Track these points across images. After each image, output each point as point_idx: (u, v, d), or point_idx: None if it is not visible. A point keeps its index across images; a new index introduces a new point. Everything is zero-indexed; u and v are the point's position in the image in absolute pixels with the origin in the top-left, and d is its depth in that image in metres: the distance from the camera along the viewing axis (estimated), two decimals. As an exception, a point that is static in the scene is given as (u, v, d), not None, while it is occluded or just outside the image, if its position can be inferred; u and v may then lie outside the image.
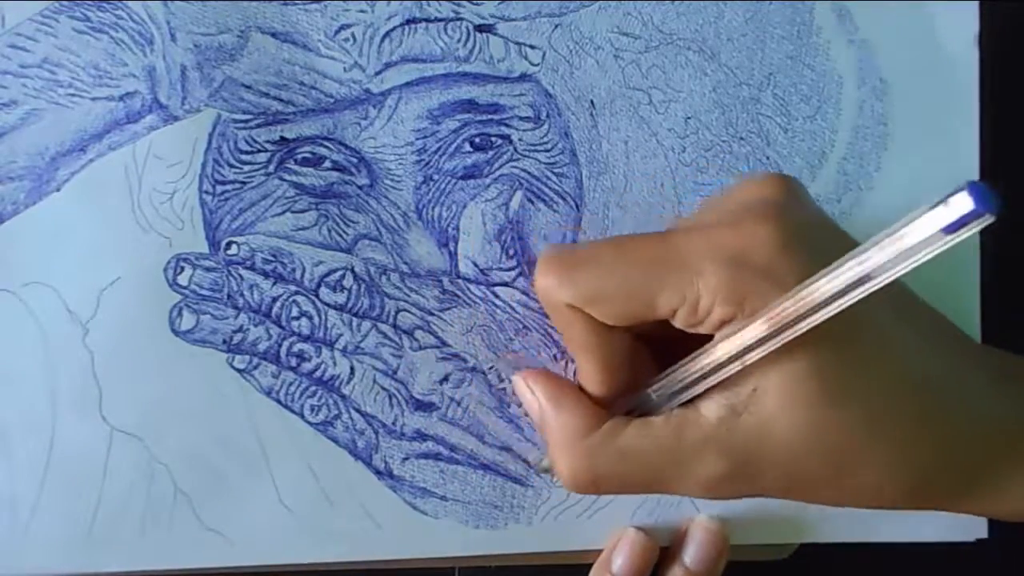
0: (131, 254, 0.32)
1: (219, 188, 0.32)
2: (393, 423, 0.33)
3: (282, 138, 0.33)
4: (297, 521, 0.33)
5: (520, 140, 0.34)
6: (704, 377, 0.26)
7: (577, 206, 0.34)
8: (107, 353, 0.32)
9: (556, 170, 0.34)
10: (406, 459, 0.33)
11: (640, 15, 0.34)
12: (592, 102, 0.34)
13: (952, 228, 0.21)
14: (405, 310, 0.33)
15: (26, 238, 0.32)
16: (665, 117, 0.34)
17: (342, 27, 0.33)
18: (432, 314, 0.33)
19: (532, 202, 0.34)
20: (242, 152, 0.32)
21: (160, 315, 0.32)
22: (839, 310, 0.23)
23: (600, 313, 0.27)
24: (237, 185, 0.33)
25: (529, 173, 0.34)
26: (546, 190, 0.34)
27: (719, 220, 0.26)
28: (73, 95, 0.32)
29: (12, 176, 0.32)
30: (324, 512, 0.33)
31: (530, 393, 0.29)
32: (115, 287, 0.32)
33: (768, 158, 0.35)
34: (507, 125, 0.34)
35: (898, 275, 0.22)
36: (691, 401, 0.27)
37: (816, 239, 0.26)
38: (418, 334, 0.33)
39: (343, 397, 0.33)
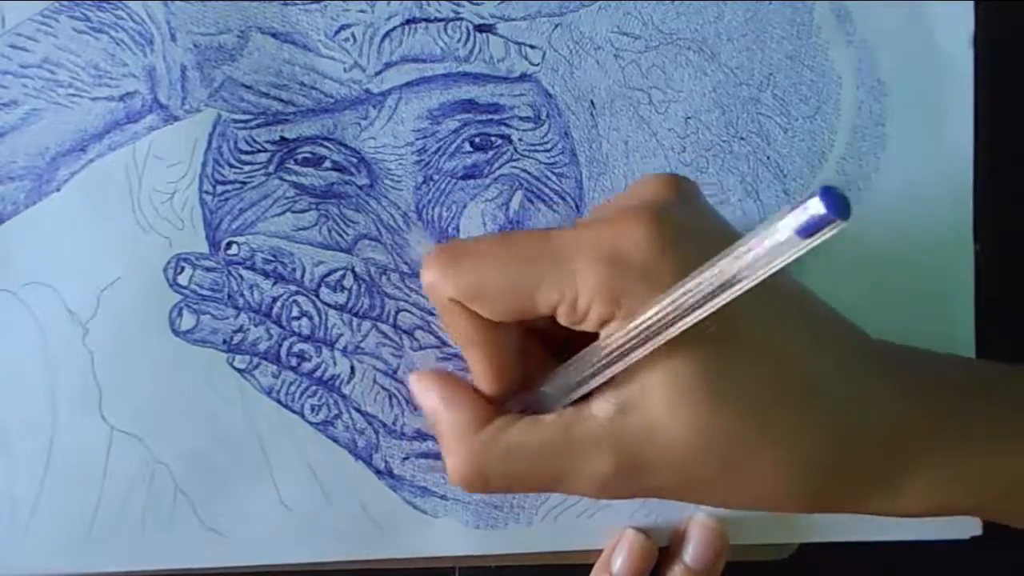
0: (131, 254, 0.32)
1: (219, 188, 0.32)
2: (393, 423, 0.33)
3: (282, 138, 0.33)
4: (297, 521, 0.33)
5: (520, 140, 0.34)
6: (592, 376, 0.26)
7: (577, 206, 0.34)
8: (107, 353, 0.32)
9: (556, 170, 0.34)
10: (406, 458, 0.33)
11: (640, 15, 0.34)
12: (592, 102, 0.34)
13: (805, 231, 0.21)
14: (405, 310, 0.33)
15: (26, 238, 0.32)
16: (665, 117, 0.34)
17: (342, 27, 0.33)
18: (432, 314, 0.33)
19: (532, 202, 0.34)
20: (242, 152, 0.32)
21: (160, 315, 0.32)
22: (710, 311, 0.23)
23: (483, 308, 0.27)
24: (237, 185, 0.33)
25: (529, 173, 0.34)
26: (546, 190, 0.34)
27: (600, 219, 0.26)
28: (73, 95, 0.32)
29: (12, 176, 0.32)
30: (324, 511, 0.33)
31: (423, 390, 0.29)
32: (115, 287, 0.32)
33: (768, 158, 0.35)
34: (507, 125, 0.34)
35: (761, 278, 0.22)
36: (583, 399, 0.27)
37: (697, 241, 0.25)
38: (418, 334, 0.33)
39: (343, 397, 0.33)
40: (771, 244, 0.22)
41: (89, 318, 0.32)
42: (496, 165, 0.34)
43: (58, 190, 0.32)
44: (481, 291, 0.26)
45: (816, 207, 0.20)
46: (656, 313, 0.24)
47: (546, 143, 0.34)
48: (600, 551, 0.34)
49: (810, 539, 0.35)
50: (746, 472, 0.26)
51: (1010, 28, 0.36)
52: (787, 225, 0.21)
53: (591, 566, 0.34)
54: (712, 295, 0.23)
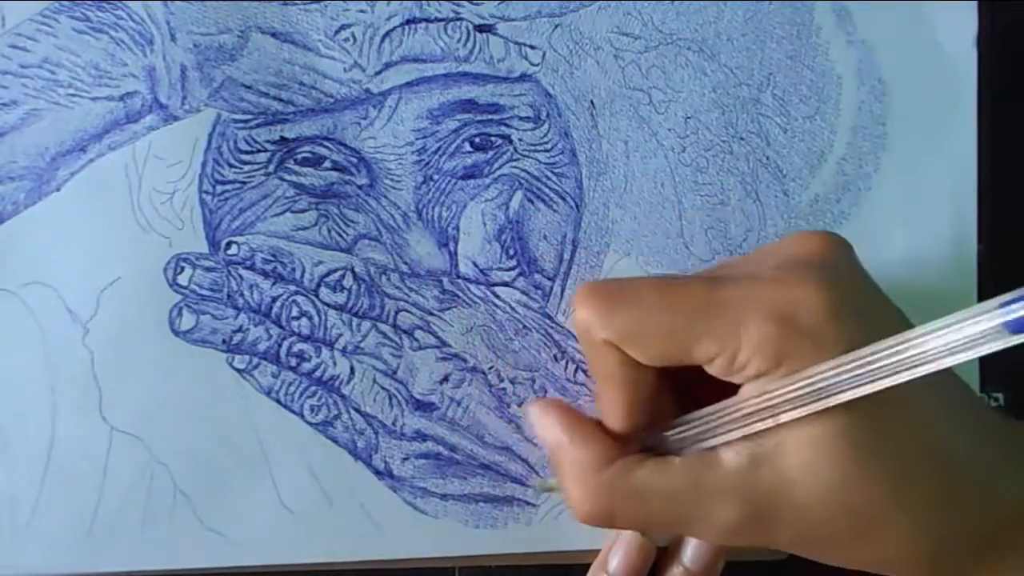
0: (131, 254, 0.32)
1: (219, 188, 0.32)
2: (393, 423, 0.33)
3: (282, 138, 0.33)
4: (297, 521, 0.33)
5: (520, 140, 0.34)
6: (730, 428, 0.26)
7: (577, 206, 0.34)
8: (107, 353, 0.32)
9: (556, 170, 0.34)
10: (406, 459, 0.33)
11: (640, 15, 0.34)
12: (592, 102, 0.34)
13: (1018, 327, 0.20)
14: (405, 310, 0.33)
15: (26, 238, 0.32)
16: (665, 117, 0.34)
17: (342, 27, 0.33)
18: (432, 314, 0.33)
19: (532, 202, 0.34)
20: (242, 152, 0.32)
21: (160, 315, 0.32)
22: (881, 388, 0.24)
23: (637, 352, 0.26)
24: (237, 185, 0.33)
25: (529, 173, 0.34)
26: (546, 190, 0.34)
27: (768, 274, 0.26)
28: (73, 95, 0.32)
29: (12, 176, 0.32)
30: (324, 512, 0.33)
31: (546, 422, 0.29)
32: (115, 287, 0.32)
33: (768, 158, 0.35)
34: (507, 125, 0.34)
35: (947, 365, 0.23)
36: (711, 446, 0.27)
37: (865, 307, 0.26)
38: (418, 334, 0.33)
39: (343, 397, 0.33)
40: (970, 334, 0.21)
41: (89, 318, 0.32)
42: (496, 165, 0.34)
43: (58, 190, 0.32)
44: (639, 336, 0.26)
45: None
46: (824, 377, 0.24)
47: (546, 143, 0.34)
48: (598, 551, 0.34)
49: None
50: (873, 536, 0.26)
51: (1014, 28, 0.36)
52: (995, 317, 0.21)
53: (590, 566, 0.34)
54: (889, 373, 0.23)
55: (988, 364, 0.35)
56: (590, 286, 0.27)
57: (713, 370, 0.26)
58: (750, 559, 0.35)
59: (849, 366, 0.24)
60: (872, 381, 0.23)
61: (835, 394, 0.24)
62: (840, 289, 0.25)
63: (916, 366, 0.23)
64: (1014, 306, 0.20)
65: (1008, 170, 0.36)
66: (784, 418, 0.25)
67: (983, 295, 0.35)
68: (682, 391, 0.28)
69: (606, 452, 0.27)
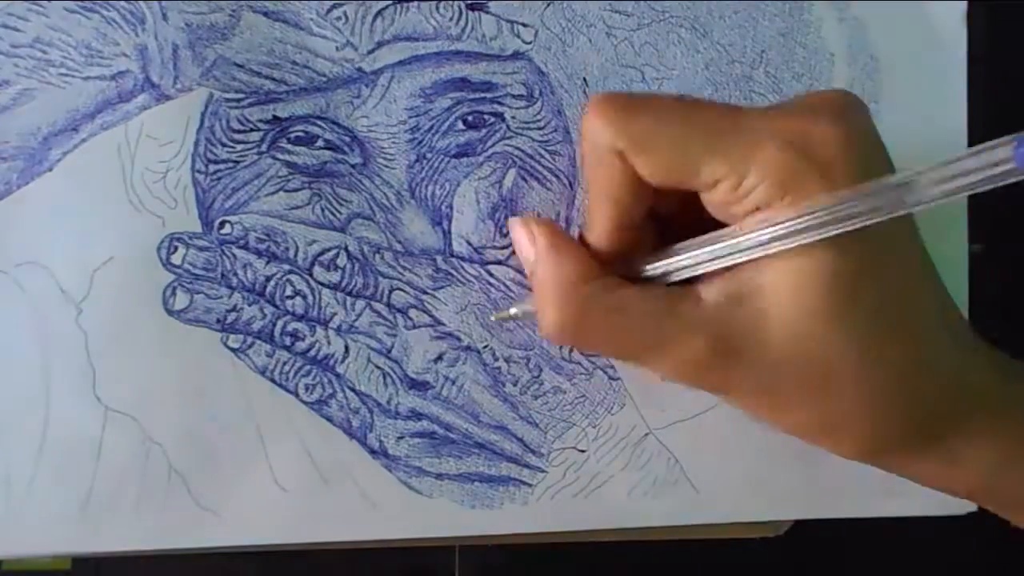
0: (124, 234, 0.32)
1: (212, 167, 0.32)
2: (388, 402, 0.33)
3: (275, 117, 0.33)
4: (292, 500, 0.33)
5: (513, 118, 0.34)
6: (715, 258, 0.26)
7: (571, 184, 0.34)
8: (101, 333, 0.32)
9: (549, 148, 0.34)
10: (401, 438, 0.33)
11: (632, -8, 0.34)
12: (585, 80, 0.34)
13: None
14: (399, 289, 0.33)
15: (19, 218, 0.32)
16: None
17: (334, 6, 0.33)
18: (426, 293, 0.33)
19: (526, 180, 0.34)
20: (235, 131, 0.32)
21: (154, 295, 0.32)
22: (874, 222, 0.23)
23: (644, 165, 0.26)
24: (230, 164, 0.32)
25: (522, 151, 0.34)
26: (539, 168, 0.34)
27: (786, 109, 0.26)
28: (65, 75, 0.32)
29: (4, 156, 0.32)
30: (319, 491, 0.33)
31: (528, 235, 0.28)
32: (108, 267, 0.32)
33: (761, 135, 0.35)
34: (500, 103, 0.34)
35: (955, 199, 0.23)
36: (688, 282, 0.27)
37: (873, 153, 0.26)
38: (412, 313, 0.33)
39: (337, 376, 0.33)
40: (981, 166, 0.22)
41: (82, 298, 0.32)
42: (489, 143, 0.34)
43: (50, 170, 0.32)
44: (650, 146, 0.25)
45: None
46: (822, 211, 0.24)
47: (539, 121, 0.34)
48: (596, 531, 0.34)
49: (805, 516, 0.35)
50: (827, 395, 0.26)
51: (1003, 6, 0.36)
52: (1008, 148, 0.21)
53: (589, 545, 0.34)
54: (883, 209, 0.23)
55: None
56: (606, 94, 0.26)
57: (714, 197, 0.26)
58: (746, 536, 0.35)
59: (845, 204, 0.24)
60: (874, 214, 0.23)
61: (826, 227, 0.24)
62: (854, 130, 0.25)
63: (903, 205, 0.23)
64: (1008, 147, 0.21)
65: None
66: (773, 248, 0.25)
67: (979, 294, 0.36)
68: (665, 237, 0.28)
69: (588, 268, 0.27)
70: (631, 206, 0.27)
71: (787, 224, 0.24)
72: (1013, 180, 0.21)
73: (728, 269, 0.26)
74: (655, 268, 0.27)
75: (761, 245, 0.25)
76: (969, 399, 0.27)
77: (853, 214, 0.24)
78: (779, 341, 0.25)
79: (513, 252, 0.34)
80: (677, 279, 0.27)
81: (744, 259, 0.25)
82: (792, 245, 0.24)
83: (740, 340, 0.26)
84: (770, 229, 0.25)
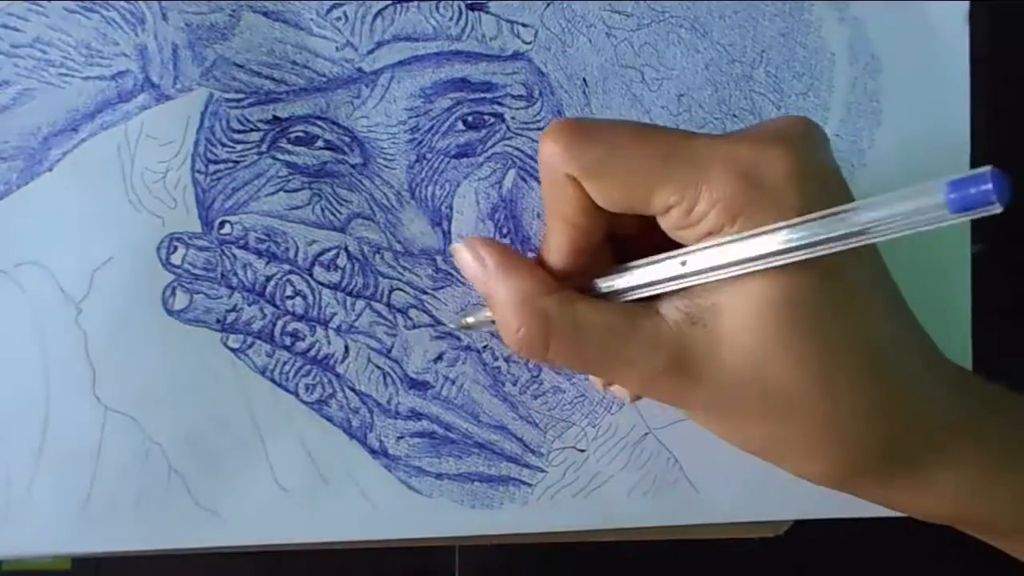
0: (124, 234, 0.32)
1: (212, 167, 0.32)
2: (388, 402, 0.33)
3: (275, 117, 0.33)
4: (292, 500, 0.33)
5: (513, 119, 0.34)
6: (671, 280, 0.26)
7: (570, 184, 0.34)
8: (100, 333, 0.32)
9: (549, 148, 0.34)
10: (401, 438, 0.33)
11: (632, -8, 0.34)
12: (585, 80, 0.34)
13: (959, 204, 0.20)
14: (399, 289, 0.33)
15: (19, 218, 0.32)
16: (658, 95, 0.34)
17: (334, 6, 0.33)
18: (426, 293, 0.33)
19: (525, 180, 0.34)
20: (235, 131, 0.32)
21: (153, 295, 0.32)
22: (827, 253, 0.23)
23: (596, 191, 0.26)
24: (230, 164, 0.32)
25: (522, 152, 0.34)
26: (539, 168, 0.34)
27: (744, 135, 0.26)
28: (65, 75, 0.32)
29: (4, 156, 0.32)
30: (319, 491, 0.33)
31: (475, 257, 0.29)
32: (108, 267, 0.32)
33: (761, 135, 0.35)
34: (500, 103, 0.34)
35: (889, 237, 0.22)
36: (647, 299, 0.27)
37: (826, 180, 0.25)
38: (412, 313, 0.33)
39: (337, 376, 0.33)
40: (913, 206, 0.21)
41: (82, 298, 0.32)
42: (489, 143, 0.34)
43: (50, 170, 0.32)
44: (603, 174, 0.26)
45: (982, 182, 0.20)
46: (769, 241, 0.24)
47: (539, 121, 0.34)
48: (594, 531, 0.34)
49: (805, 516, 0.35)
50: (789, 418, 0.26)
51: (1004, 5, 0.36)
52: (939, 192, 0.20)
53: (589, 545, 0.34)
54: (834, 240, 0.23)
55: (982, 363, 0.35)
56: (561, 120, 0.27)
57: (667, 223, 0.26)
58: (745, 536, 0.35)
59: (799, 230, 0.23)
60: (817, 245, 0.23)
61: (777, 256, 0.24)
62: (805, 156, 0.25)
63: (858, 236, 0.23)
64: (959, 186, 0.20)
65: (1000, 146, 0.36)
66: (720, 275, 0.25)
67: (980, 294, 0.36)
68: (625, 257, 0.28)
69: (543, 283, 0.27)
70: (587, 230, 0.27)
71: (733, 252, 0.24)
72: (946, 224, 0.21)
73: (686, 288, 0.26)
74: (609, 285, 0.28)
75: (711, 270, 0.25)
76: (939, 426, 0.27)
77: (796, 246, 0.23)
78: (733, 362, 0.25)
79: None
80: (632, 298, 0.27)
81: (695, 283, 0.26)
82: (737, 273, 0.25)
83: (696, 358, 0.26)
84: (718, 255, 0.25)
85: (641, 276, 0.27)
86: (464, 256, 0.29)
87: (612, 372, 0.27)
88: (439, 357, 0.33)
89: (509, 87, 0.34)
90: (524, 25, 0.34)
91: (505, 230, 0.34)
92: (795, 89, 0.35)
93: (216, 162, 0.32)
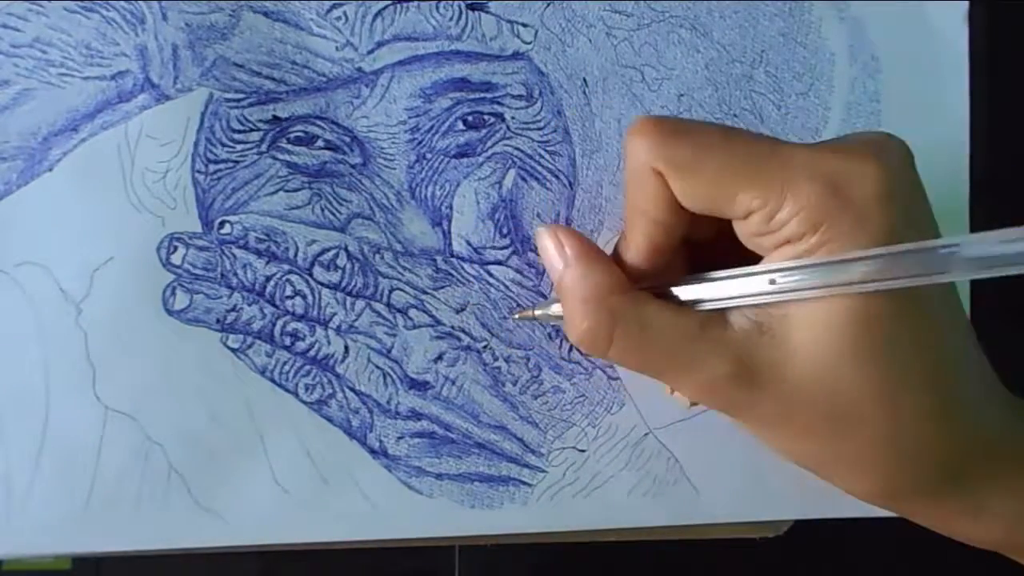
0: (124, 234, 0.32)
1: (212, 167, 0.32)
2: (387, 402, 0.33)
3: (275, 117, 0.33)
4: (292, 500, 0.33)
5: (513, 118, 0.34)
6: (745, 296, 0.26)
7: (570, 184, 0.34)
8: (100, 333, 0.32)
9: (549, 148, 0.34)
10: (401, 438, 0.33)
11: (632, -8, 0.34)
12: (585, 80, 0.34)
13: None
14: (399, 289, 0.33)
15: (19, 218, 0.32)
16: (658, 95, 0.34)
17: (334, 6, 0.33)
18: (426, 293, 0.33)
19: (525, 180, 0.34)
20: (235, 131, 0.32)
21: (153, 295, 0.32)
22: (911, 284, 0.23)
23: (682, 189, 0.26)
24: (230, 164, 0.32)
25: (522, 151, 0.34)
26: (539, 168, 0.34)
27: (832, 145, 0.26)
28: (64, 75, 0.32)
29: (4, 156, 0.32)
30: (319, 491, 0.33)
31: (556, 243, 0.28)
32: (108, 267, 0.32)
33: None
34: (500, 103, 0.34)
35: (986, 276, 0.23)
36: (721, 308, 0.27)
37: (912, 201, 0.25)
38: (412, 313, 0.33)
39: (337, 376, 0.33)
40: (1018, 250, 0.21)
41: (82, 298, 0.32)
42: (489, 143, 0.34)
43: (50, 170, 0.32)
44: (690, 171, 0.26)
45: None
46: (862, 268, 0.24)
47: (539, 121, 0.34)
48: (595, 531, 0.34)
49: (805, 516, 0.35)
50: (847, 430, 0.26)
51: (1003, 5, 0.36)
52: None
53: (589, 545, 0.34)
54: (928, 275, 0.23)
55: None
56: (650, 116, 0.26)
57: (746, 228, 0.26)
58: (745, 536, 0.35)
59: (884, 258, 0.23)
60: (901, 278, 0.23)
61: (860, 283, 0.24)
62: (892, 172, 0.25)
63: (945, 271, 0.23)
64: None
65: (999, 147, 0.36)
66: (804, 295, 0.25)
67: (979, 294, 0.36)
68: (695, 261, 0.28)
69: (618, 280, 0.27)
70: (667, 227, 0.27)
71: (824, 275, 0.24)
72: None
73: None
74: (686, 293, 0.27)
75: (798, 290, 0.25)
76: (996, 451, 0.27)
77: (891, 276, 0.23)
78: (801, 374, 0.25)
79: (513, 252, 0.34)
80: (708, 308, 0.27)
81: (774, 300, 0.25)
82: (823, 295, 0.25)
83: (763, 368, 0.26)
84: (808, 278, 0.25)
85: (723, 289, 0.27)
86: (545, 241, 0.29)
87: (674, 376, 0.27)
88: (439, 357, 0.33)
89: (509, 87, 0.34)
90: (524, 25, 0.34)
91: (505, 230, 0.34)
92: (795, 89, 0.35)
93: (216, 162, 0.32)
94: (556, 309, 0.31)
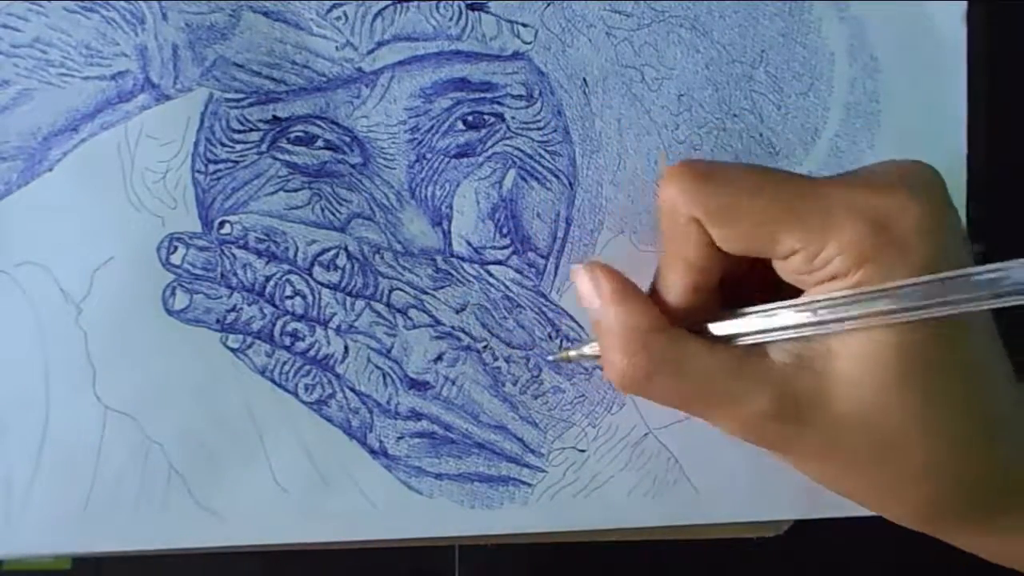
0: (124, 234, 0.32)
1: (211, 167, 0.32)
2: (387, 402, 0.33)
3: (275, 117, 0.33)
4: (292, 500, 0.33)
5: (513, 118, 0.34)
6: (785, 329, 0.26)
7: (571, 184, 0.34)
8: (100, 333, 0.32)
9: (549, 148, 0.34)
10: (400, 438, 0.33)
11: (632, -8, 0.34)
12: (585, 80, 0.34)
13: None
14: (399, 289, 0.33)
15: (19, 218, 0.32)
16: (658, 95, 0.34)
17: (334, 6, 0.33)
18: (426, 293, 0.33)
19: (525, 180, 0.34)
20: (234, 131, 0.32)
21: (153, 295, 0.32)
22: (955, 312, 0.24)
23: (721, 235, 0.26)
24: (230, 164, 0.32)
25: (522, 151, 0.34)
26: (539, 168, 0.34)
27: (869, 180, 0.26)
28: (64, 75, 0.32)
29: (4, 156, 0.32)
30: (319, 491, 0.33)
31: (593, 282, 0.28)
32: (108, 267, 0.32)
33: (761, 135, 0.35)
34: (500, 103, 0.34)
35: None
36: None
37: (953, 235, 0.25)
38: (412, 313, 0.33)
39: (337, 376, 0.33)
40: None
41: (82, 298, 0.32)
42: (489, 143, 0.34)
43: (50, 170, 0.32)
44: (729, 219, 0.26)
45: None
46: (895, 295, 0.24)
47: (539, 121, 0.34)
48: (594, 531, 0.34)
49: (805, 516, 0.35)
50: (891, 459, 0.26)
51: (1003, 5, 0.36)
52: None
53: (589, 544, 0.34)
54: (971, 302, 0.23)
55: None
56: (684, 162, 0.26)
57: (788, 267, 0.26)
58: (745, 535, 0.35)
59: (924, 287, 0.24)
60: (941, 305, 0.23)
61: (911, 310, 0.24)
62: (933, 205, 0.25)
63: (997, 296, 0.23)
64: None
65: (996, 146, 0.36)
66: (858, 324, 0.25)
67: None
68: (732, 294, 0.28)
69: (656, 319, 0.27)
70: (707, 271, 0.27)
71: (865, 306, 0.24)
72: None
73: None
74: (723, 329, 0.27)
75: (840, 320, 0.25)
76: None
77: (931, 303, 0.24)
78: (844, 406, 0.25)
79: (513, 252, 0.34)
80: (748, 342, 0.27)
81: (816, 333, 0.25)
82: (863, 326, 0.25)
83: (805, 402, 0.26)
84: (850, 309, 0.25)
85: (762, 323, 0.26)
86: (582, 280, 0.29)
87: (714, 414, 0.27)
88: (439, 357, 0.33)
89: (509, 87, 0.34)
90: (524, 25, 0.34)
91: (505, 230, 0.34)
92: (795, 89, 0.35)
93: (216, 162, 0.32)
94: (591, 349, 0.31)
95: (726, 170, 0.26)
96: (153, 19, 0.32)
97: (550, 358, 0.34)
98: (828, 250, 0.25)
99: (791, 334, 0.26)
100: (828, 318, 0.25)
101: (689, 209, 0.26)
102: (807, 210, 0.25)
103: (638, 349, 0.27)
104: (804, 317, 0.25)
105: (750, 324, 0.27)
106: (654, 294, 0.29)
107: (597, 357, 0.29)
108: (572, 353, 0.32)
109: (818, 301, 0.25)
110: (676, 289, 0.28)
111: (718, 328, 0.27)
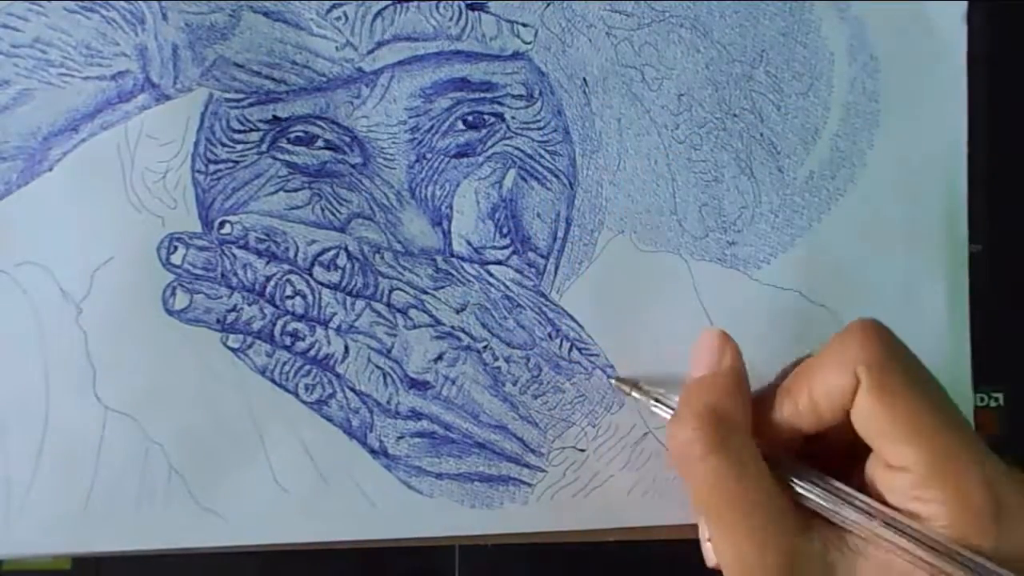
0: (124, 234, 0.32)
1: (212, 167, 0.32)
2: (387, 402, 0.33)
3: (275, 117, 0.33)
4: (292, 500, 0.33)
5: (513, 118, 0.34)
6: (854, 523, 0.26)
7: (571, 184, 0.34)
8: (100, 333, 0.32)
9: (549, 148, 0.34)
10: (400, 438, 0.33)
11: (632, -8, 0.34)
12: (585, 80, 0.34)
13: None
14: (399, 289, 0.33)
15: (19, 218, 0.32)
16: (658, 94, 0.34)
17: (334, 6, 0.33)
18: (426, 292, 0.33)
19: (525, 180, 0.34)
20: (235, 131, 0.32)
21: (153, 295, 0.32)
22: None
23: (891, 453, 0.26)
24: (230, 164, 0.32)
25: (522, 151, 0.34)
26: (539, 168, 0.34)
27: (1006, 471, 0.26)
28: (64, 75, 0.32)
29: (4, 156, 0.32)
30: (319, 491, 0.33)
31: (720, 348, 0.29)
32: (108, 267, 0.32)
33: (761, 135, 0.35)
34: (500, 103, 0.34)
35: None
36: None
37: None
38: (412, 313, 0.33)
39: (337, 376, 0.33)
40: None
41: (82, 298, 0.32)
42: (489, 143, 0.34)
43: (50, 170, 0.32)
44: (897, 439, 0.26)
45: None
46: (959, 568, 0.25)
47: (539, 121, 0.34)
48: (594, 531, 0.34)
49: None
50: None
51: (1003, 5, 0.36)
52: None
53: (589, 544, 0.34)
54: None
55: (982, 364, 0.35)
56: (873, 351, 0.26)
57: (893, 479, 0.26)
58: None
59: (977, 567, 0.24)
60: None
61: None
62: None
63: None
64: None
65: (997, 145, 0.36)
66: (899, 545, 0.25)
67: (979, 294, 0.36)
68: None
69: (748, 420, 0.28)
70: (821, 430, 0.28)
71: (920, 547, 0.25)
72: None
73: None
74: (805, 490, 0.27)
75: (888, 539, 0.26)
76: None
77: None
78: None
79: (513, 252, 0.34)
80: (799, 491, 0.27)
81: (870, 536, 0.26)
82: (908, 559, 0.25)
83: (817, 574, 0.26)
84: (903, 538, 0.25)
85: (831, 503, 0.27)
86: (711, 341, 0.29)
87: (732, 536, 0.27)
88: (439, 357, 0.33)
89: (509, 87, 0.34)
90: (524, 25, 0.34)
91: (505, 230, 0.34)
92: (795, 89, 0.35)
93: (216, 162, 0.32)
94: (658, 409, 0.31)
95: (918, 379, 0.26)
96: (153, 19, 0.32)
97: (613, 380, 0.34)
98: (942, 500, 0.25)
99: (845, 523, 0.26)
100: (883, 533, 0.26)
101: (865, 428, 0.26)
102: (953, 471, 0.25)
103: (715, 432, 0.27)
104: (863, 519, 0.26)
105: (820, 495, 0.27)
106: (760, 399, 0.29)
107: (658, 404, 0.31)
108: (636, 394, 0.32)
109: (896, 523, 0.26)
110: (788, 424, 0.28)
111: (802, 487, 0.27)
